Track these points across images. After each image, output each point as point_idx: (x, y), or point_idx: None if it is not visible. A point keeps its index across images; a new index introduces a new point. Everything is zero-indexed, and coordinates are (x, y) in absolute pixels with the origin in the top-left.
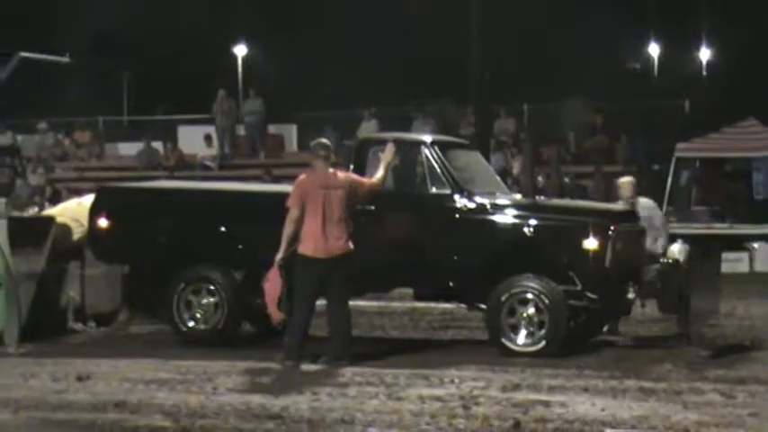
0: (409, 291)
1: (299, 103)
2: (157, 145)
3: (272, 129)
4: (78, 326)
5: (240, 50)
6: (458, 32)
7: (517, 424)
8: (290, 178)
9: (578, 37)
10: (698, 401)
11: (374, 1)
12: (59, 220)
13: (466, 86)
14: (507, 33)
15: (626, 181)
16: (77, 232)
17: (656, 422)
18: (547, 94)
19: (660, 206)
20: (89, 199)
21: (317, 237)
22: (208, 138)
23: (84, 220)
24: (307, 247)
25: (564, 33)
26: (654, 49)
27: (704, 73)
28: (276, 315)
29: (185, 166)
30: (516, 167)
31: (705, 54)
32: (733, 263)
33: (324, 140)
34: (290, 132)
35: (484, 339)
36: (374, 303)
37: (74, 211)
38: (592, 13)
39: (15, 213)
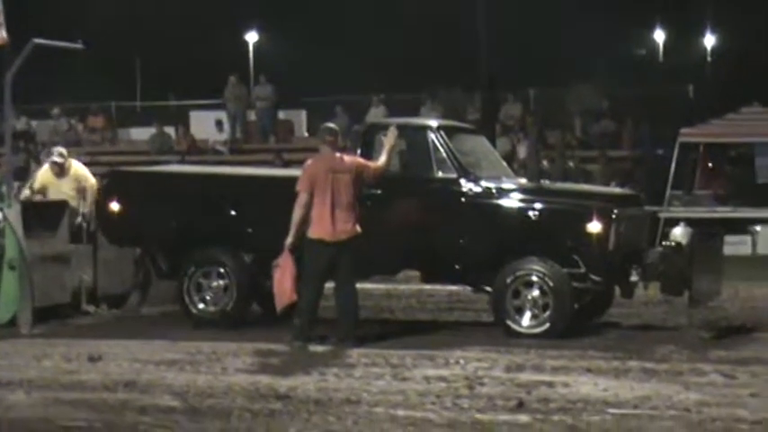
0: (416, 273)
1: (309, 90)
2: (169, 130)
3: (282, 114)
4: (90, 308)
5: (251, 37)
6: (465, 18)
7: (521, 404)
8: (299, 163)
9: (584, 23)
10: (700, 382)
11: None
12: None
13: (473, 73)
14: (513, 19)
15: None
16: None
17: (657, 402)
18: (553, 80)
19: (664, 190)
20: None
21: (326, 220)
22: (219, 123)
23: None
24: (315, 231)
25: (569, 19)
26: (659, 36)
27: (708, 59)
28: (280, 304)
29: (197, 150)
30: (522, 152)
31: (710, 40)
32: (736, 245)
33: (331, 125)
34: (300, 118)
35: (489, 321)
36: (381, 286)
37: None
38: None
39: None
